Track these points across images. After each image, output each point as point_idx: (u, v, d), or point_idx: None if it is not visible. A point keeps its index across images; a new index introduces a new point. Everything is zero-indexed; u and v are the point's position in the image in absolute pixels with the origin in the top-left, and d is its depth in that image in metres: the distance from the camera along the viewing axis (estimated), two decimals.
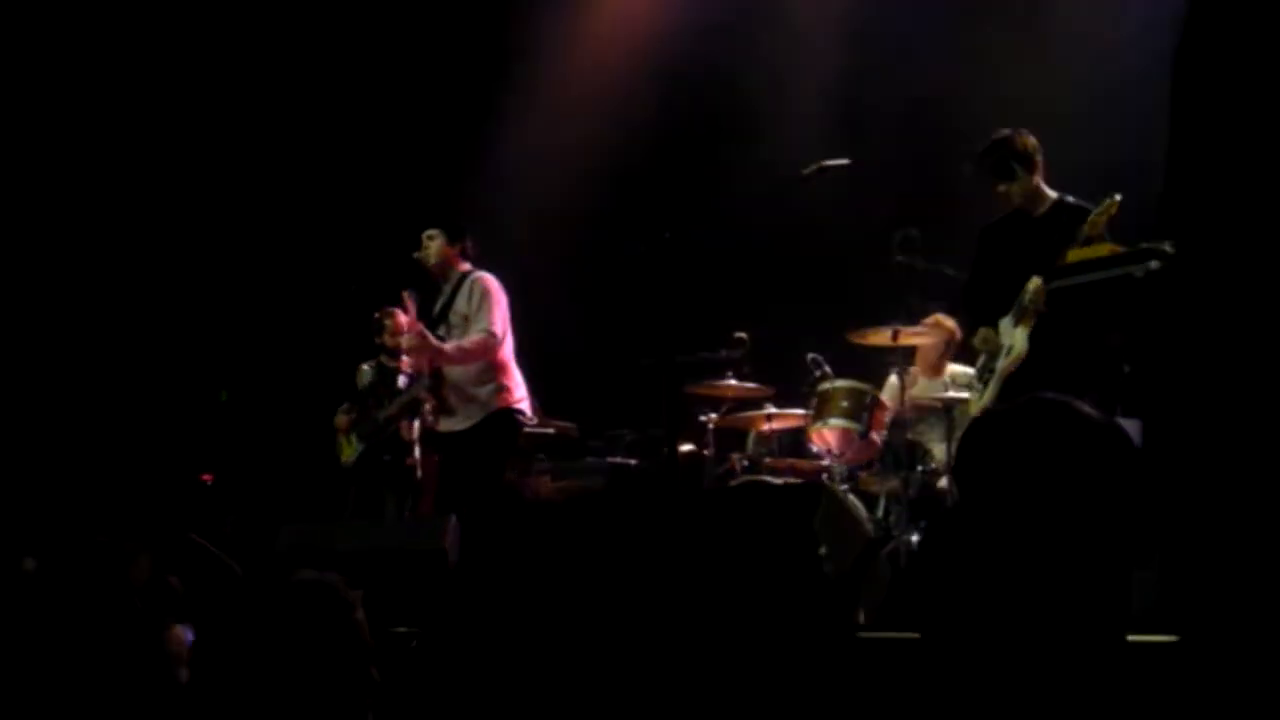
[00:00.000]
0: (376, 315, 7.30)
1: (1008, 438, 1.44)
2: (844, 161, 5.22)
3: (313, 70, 8.77)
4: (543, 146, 8.60)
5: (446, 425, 6.32)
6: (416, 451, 7.03)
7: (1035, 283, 4.90)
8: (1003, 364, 5.07)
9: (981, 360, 5.32)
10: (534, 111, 8.73)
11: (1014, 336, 5.03)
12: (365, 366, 7.35)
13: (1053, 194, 5.21)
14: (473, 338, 6.17)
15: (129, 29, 8.56)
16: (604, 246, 7.81)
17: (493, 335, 6.17)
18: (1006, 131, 5.22)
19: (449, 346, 6.18)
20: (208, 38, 8.70)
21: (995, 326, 5.11)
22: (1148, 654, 1.36)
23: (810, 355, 6.60)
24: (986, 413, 1.58)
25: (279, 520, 6.00)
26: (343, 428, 7.24)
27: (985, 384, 5.19)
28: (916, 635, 1.55)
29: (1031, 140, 5.20)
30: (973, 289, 5.36)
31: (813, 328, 6.88)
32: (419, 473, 7.00)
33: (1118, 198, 4.71)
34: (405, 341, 6.29)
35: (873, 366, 6.59)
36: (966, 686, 1.40)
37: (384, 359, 7.26)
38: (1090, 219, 4.78)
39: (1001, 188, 5.20)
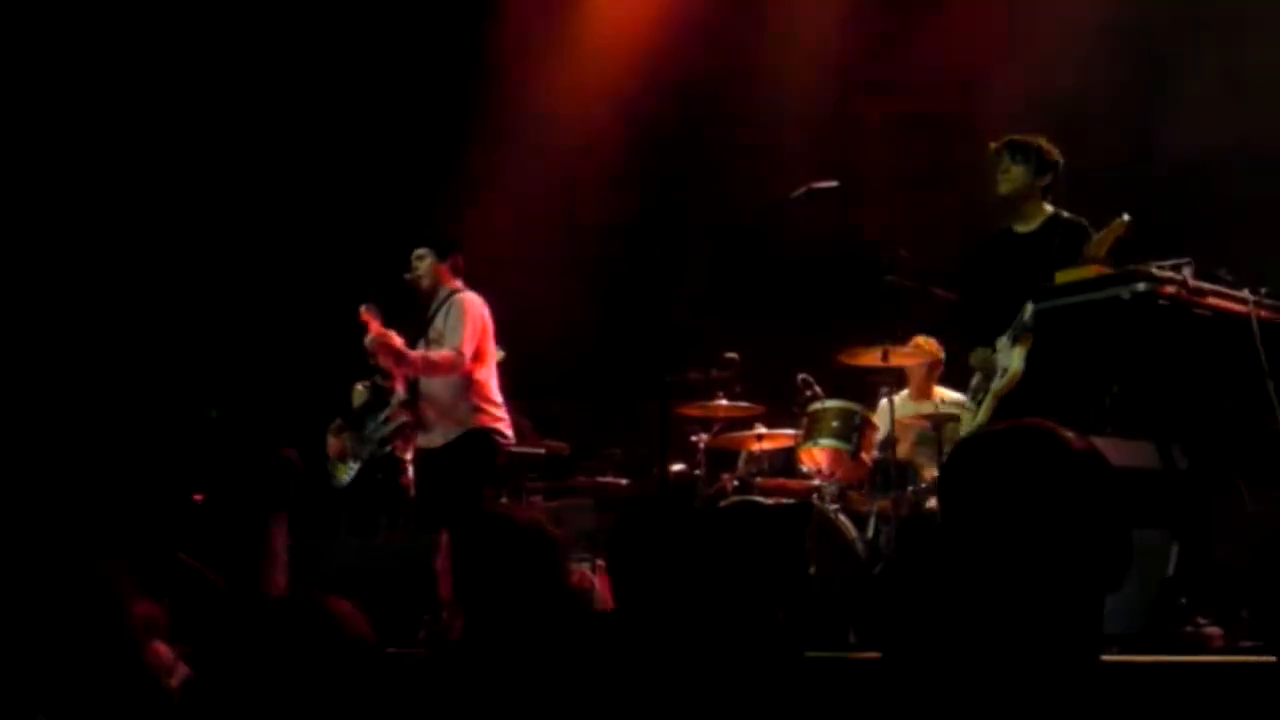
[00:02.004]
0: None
1: (990, 461, 1.46)
2: (832, 184, 5.25)
3: (299, 86, 8.80)
4: (533, 165, 8.64)
5: (423, 442, 6.33)
6: (410, 471, 7.03)
7: (1034, 308, 4.82)
8: (997, 385, 4.99)
9: (976, 380, 5.24)
10: (523, 130, 8.77)
11: (1011, 357, 4.96)
12: (360, 386, 7.35)
13: (1049, 209, 5.15)
14: (441, 352, 6.18)
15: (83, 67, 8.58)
16: (595, 266, 7.84)
17: (459, 354, 6.15)
18: (1045, 141, 5.17)
19: (415, 354, 6.19)
20: (190, 57, 8.72)
21: (992, 346, 5.05)
22: (1123, 674, 1.39)
23: (801, 375, 6.63)
24: (971, 436, 1.60)
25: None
26: (334, 450, 7.23)
27: (979, 404, 5.11)
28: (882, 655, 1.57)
29: (1057, 154, 5.15)
30: (965, 308, 5.30)
31: (803, 348, 6.91)
32: (412, 492, 7.00)
33: (1126, 218, 4.62)
34: (368, 343, 6.28)
35: (863, 387, 6.62)
36: (942, 706, 1.42)
37: (378, 378, 7.26)
38: (1096, 239, 4.73)
39: (1004, 165, 5.12)
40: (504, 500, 6.59)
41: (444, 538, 4.94)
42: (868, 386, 6.62)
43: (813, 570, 4.05)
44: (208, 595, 5.46)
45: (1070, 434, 1.50)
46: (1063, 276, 4.41)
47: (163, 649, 2.08)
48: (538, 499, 7.61)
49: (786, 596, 3.62)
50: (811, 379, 6.60)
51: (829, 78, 8.00)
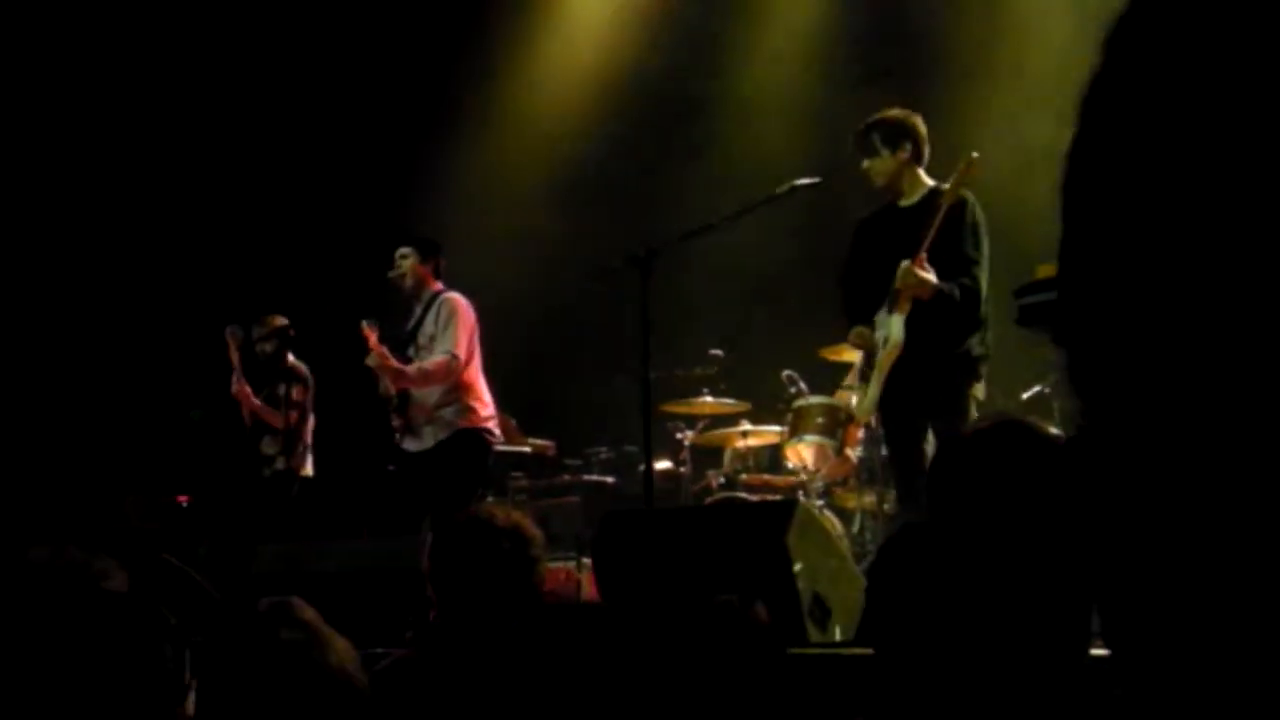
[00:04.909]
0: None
1: (975, 459, 1.47)
2: (816, 180, 5.24)
3: (280, 88, 8.78)
4: (516, 162, 8.62)
5: (412, 445, 6.29)
6: (280, 463, 7.08)
7: (904, 265, 4.80)
8: (881, 356, 4.93)
9: (861, 359, 5.20)
10: (505, 127, 8.75)
11: (889, 325, 4.90)
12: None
13: (930, 182, 5.07)
14: (435, 359, 6.14)
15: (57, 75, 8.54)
16: (579, 264, 7.82)
17: (454, 357, 6.12)
18: (895, 111, 5.07)
19: (410, 369, 6.16)
20: (173, 57, 8.68)
21: (871, 323, 5.00)
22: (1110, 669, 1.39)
23: (785, 372, 6.64)
24: (957, 435, 1.60)
25: (255, 540, 5.98)
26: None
27: (869, 381, 5.05)
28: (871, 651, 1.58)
29: (913, 123, 5.05)
30: (848, 285, 5.22)
31: (788, 344, 6.92)
32: (294, 486, 7.09)
33: (975, 155, 4.73)
34: (369, 362, 6.28)
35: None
36: (928, 703, 1.42)
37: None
38: (949, 185, 4.77)
39: (865, 164, 5.06)
40: (488, 500, 6.58)
41: (430, 538, 4.94)
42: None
43: (797, 567, 4.05)
44: (195, 597, 5.45)
45: (1053, 429, 1.50)
46: (1044, 270, 4.40)
47: None
48: (522, 498, 7.61)
49: (770, 593, 3.62)
50: (796, 375, 6.61)
51: (814, 71, 8.01)
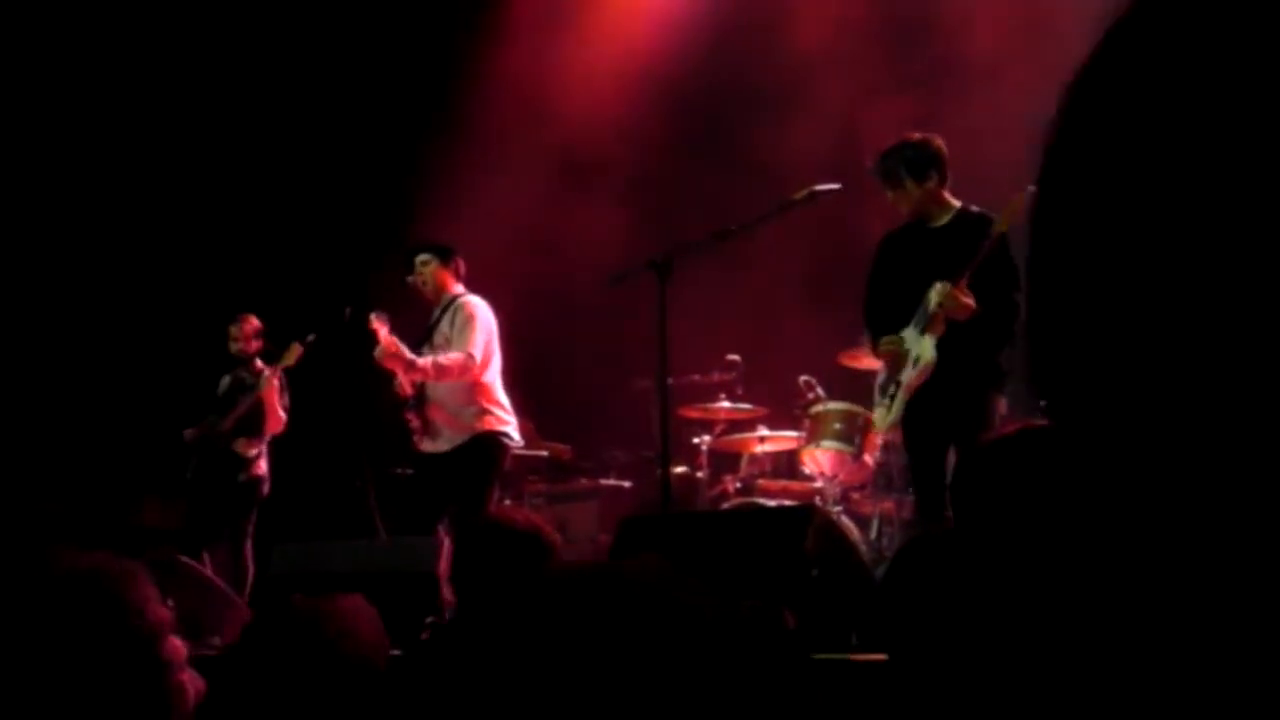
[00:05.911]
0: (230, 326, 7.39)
1: (1000, 466, 1.45)
2: (835, 187, 5.23)
3: (287, 85, 8.79)
4: (532, 162, 8.61)
5: (429, 447, 6.29)
6: (261, 467, 7.09)
7: (941, 288, 4.80)
8: (910, 375, 4.93)
9: (884, 374, 5.17)
10: (523, 126, 8.74)
11: (921, 346, 4.90)
12: (226, 378, 7.40)
13: (956, 203, 5.06)
14: (451, 355, 6.16)
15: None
16: (597, 268, 7.82)
17: (470, 357, 6.13)
18: (915, 136, 5.05)
19: (424, 361, 6.17)
20: (175, 57, 8.71)
21: (898, 337, 5.00)
22: None
23: (803, 377, 6.62)
24: (982, 442, 1.59)
25: (271, 540, 5.99)
26: (188, 439, 7.33)
27: (891, 397, 5.04)
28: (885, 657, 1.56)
29: (936, 146, 5.03)
30: (872, 300, 5.22)
31: (806, 350, 6.90)
32: (265, 490, 7.11)
33: (1032, 189, 4.65)
34: (378, 354, 6.27)
35: (866, 389, 6.60)
36: (950, 710, 1.41)
37: (239, 370, 7.31)
38: (998, 219, 4.75)
39: (890, 195, 5.06)
40: (506, 503, 6.58)
41: (447, 541, 4.93)
42: (870, 388, 6.60)
43: (815, 573, 4.03)
44: (208, 597, 5.45)
45: None
46: None
47: (177, 644, 2.07)
48: (539, 502, 7.60)
49: (788, 598, 3.60)
50: (814, 381, 6.59)
51: (832, 79, 7.98)
